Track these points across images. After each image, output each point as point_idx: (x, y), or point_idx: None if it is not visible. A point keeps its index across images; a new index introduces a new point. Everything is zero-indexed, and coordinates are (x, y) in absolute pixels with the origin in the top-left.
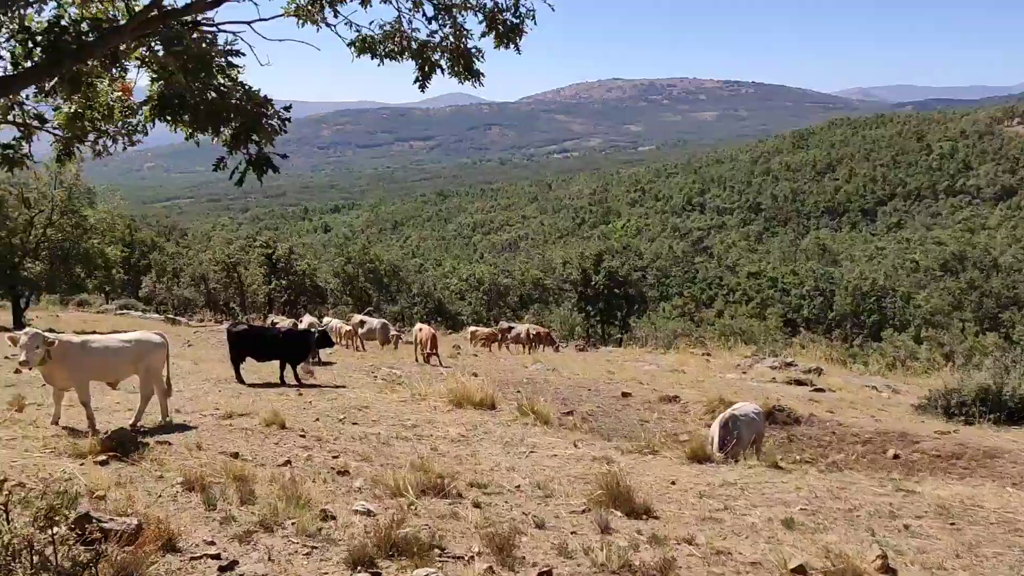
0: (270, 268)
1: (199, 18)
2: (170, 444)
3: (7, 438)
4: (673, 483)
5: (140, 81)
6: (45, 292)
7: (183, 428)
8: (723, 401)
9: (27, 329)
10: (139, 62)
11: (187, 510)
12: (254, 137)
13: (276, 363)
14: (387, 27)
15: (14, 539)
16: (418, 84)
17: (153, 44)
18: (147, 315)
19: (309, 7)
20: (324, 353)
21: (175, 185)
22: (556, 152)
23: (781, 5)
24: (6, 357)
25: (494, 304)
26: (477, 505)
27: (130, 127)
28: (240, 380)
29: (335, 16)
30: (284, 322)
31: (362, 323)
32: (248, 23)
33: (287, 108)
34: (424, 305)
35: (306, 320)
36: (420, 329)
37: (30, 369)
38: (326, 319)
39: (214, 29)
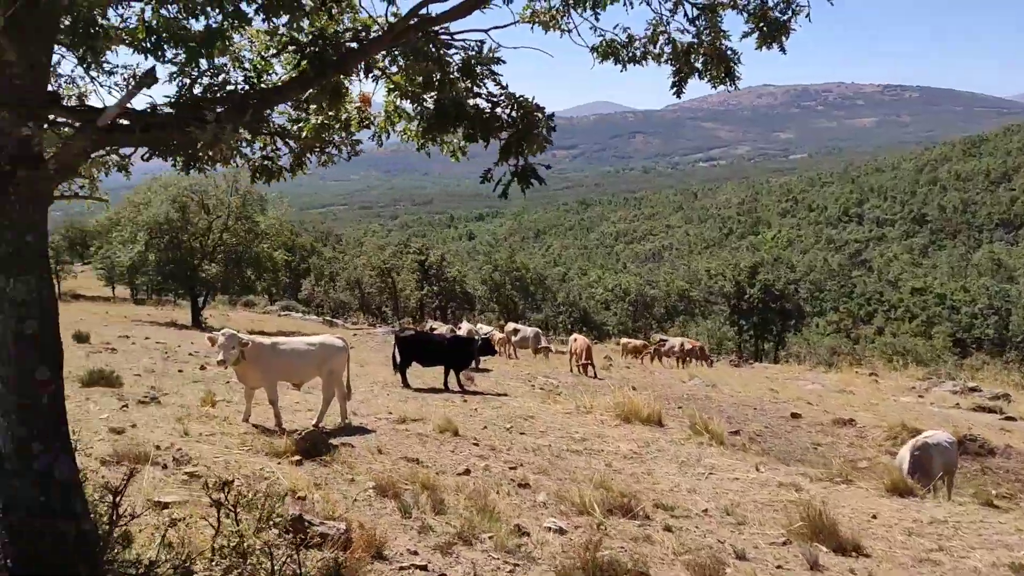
0: (422, 274)
1: (438, 28)
2: (353, 447)
3: (207, 434)
4: (874, 517)
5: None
6: (220, 293)
7: (362, 431)
8: (906, 427)
9: (224, 330)
10: (379, 72)
11: (384, 516)
12: (523, 147)
13: (435, 367)
14: (631, 31)
15: (251, 542)
16: (674, 90)
17: (396, 54)
18: (306, 316)
19: (555, 12)
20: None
21: (330, 193)
22: (702, 160)
23: (949, 5)
24: (190, 354)
25: (640, 315)
26: (668, 529)
27: (353, 139)
28: (406, 385)
29: (596, 19)
30: (441, 328)
31: (515, 331)
32: (485, 31)
33: (550, 117)
34: (569, 314)
35: (464, 327)
36: (575, 339)
37: (226, 368)
38: (479, 325)
39: (448, 37)
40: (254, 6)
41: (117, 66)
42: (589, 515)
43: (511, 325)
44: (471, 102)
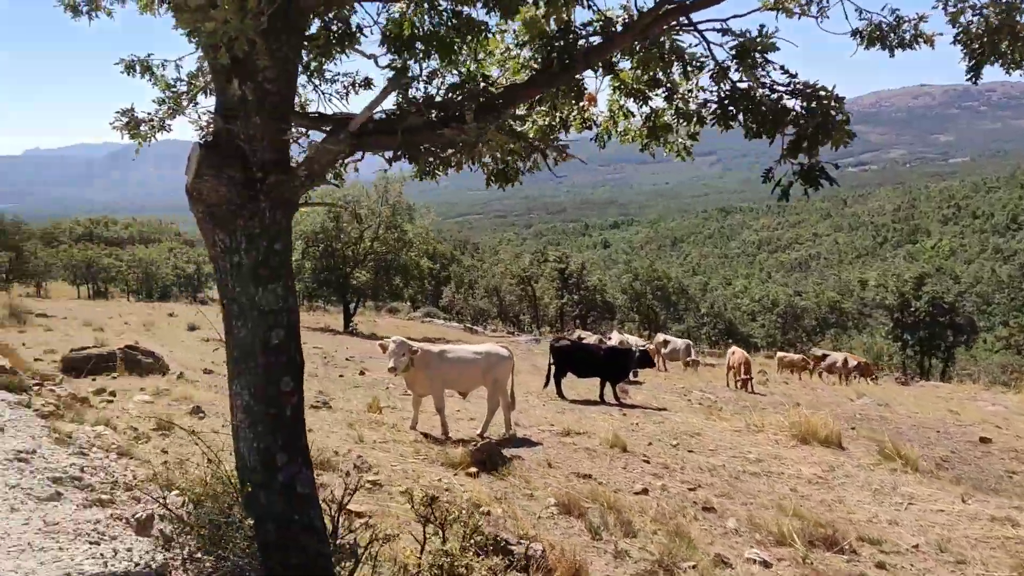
0: (562, 283)
1: (672, 20)
2: (523, 459)
3: (380, 441)
4: None
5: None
6: (369, 299)
7: (528, 443)
8: None
9: (394, 337)
10: (602, 68)
11: (572, 536)
12: (816, 143)
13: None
14: (899, 12)
15: (460, 562)
16: (970, 75)
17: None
18: (448, 323)
19: None
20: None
21: (466, 202)
22: (852, 165)
23: None
24: (347, 359)
25: (789, 327)
26: (881, 566)
27: (559, 143)
28: (561, 395)
29: None
30: (590, 338)
31: (666, 342)
32: (723, 20)
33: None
34: (714, 326)
35: (615, 337)
36: (733, 352)
37: (395, 375)
38: (627, 337)
39: (691, 27)
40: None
41: (338, 74)
42: (789, 546)
43: (661, 336)
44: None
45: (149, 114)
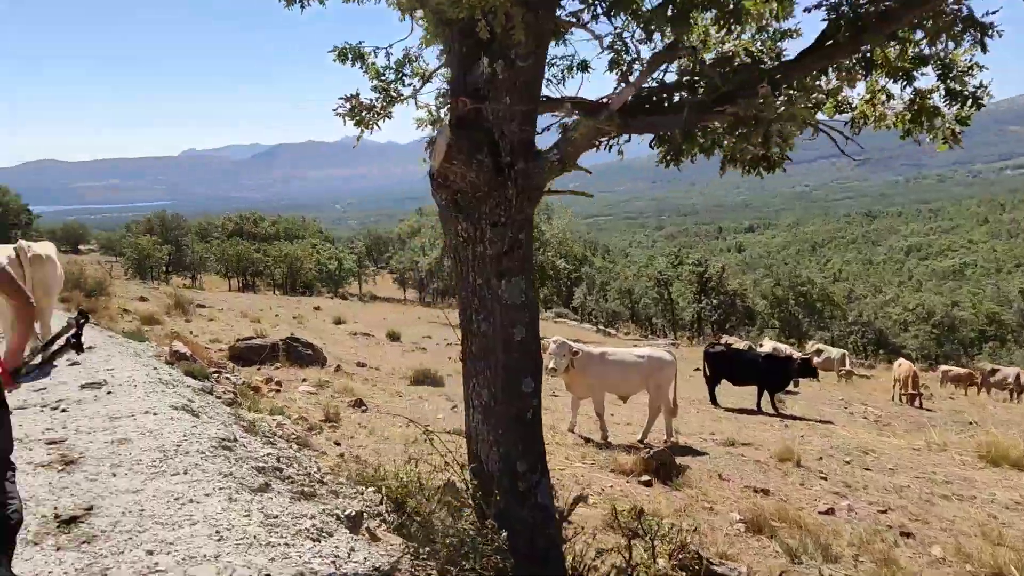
0: (700, 286)
1: None
2: (690, 468)
3: None
4: None
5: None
6: None
7: (692, 451)
8: None
9: (555, 338)
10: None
11: (769, 558)
12: None
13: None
14: None
15: None
16: None
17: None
18: (581, 325)
19: None
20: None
21: (596, 204)
22: (1009, 168)
23: None
24: None
25: (945, 339)
26: None
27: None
28: (715, 403)
29: None
30: (738, 344)
31: (819, 351)
32: None
33: None
34: (862, 335)
35: (767, 344)
36: (899, 365)
37: (555, 376)
38: (772, 343)
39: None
40: None
41: (554, 56)
42: None
43: (814, 345)
44: None
45: (370, 100)
